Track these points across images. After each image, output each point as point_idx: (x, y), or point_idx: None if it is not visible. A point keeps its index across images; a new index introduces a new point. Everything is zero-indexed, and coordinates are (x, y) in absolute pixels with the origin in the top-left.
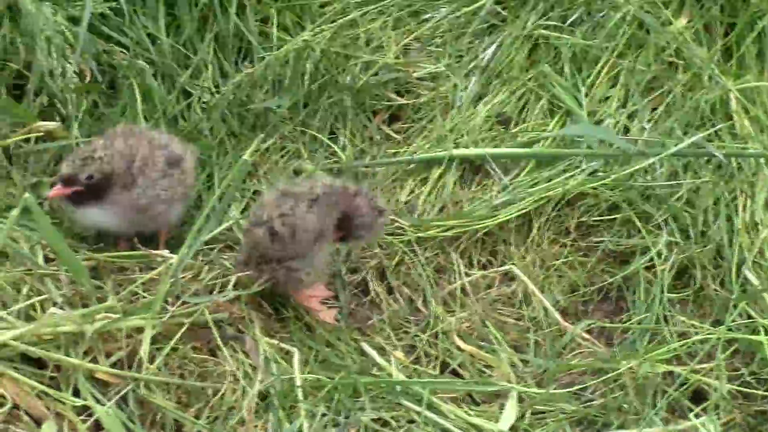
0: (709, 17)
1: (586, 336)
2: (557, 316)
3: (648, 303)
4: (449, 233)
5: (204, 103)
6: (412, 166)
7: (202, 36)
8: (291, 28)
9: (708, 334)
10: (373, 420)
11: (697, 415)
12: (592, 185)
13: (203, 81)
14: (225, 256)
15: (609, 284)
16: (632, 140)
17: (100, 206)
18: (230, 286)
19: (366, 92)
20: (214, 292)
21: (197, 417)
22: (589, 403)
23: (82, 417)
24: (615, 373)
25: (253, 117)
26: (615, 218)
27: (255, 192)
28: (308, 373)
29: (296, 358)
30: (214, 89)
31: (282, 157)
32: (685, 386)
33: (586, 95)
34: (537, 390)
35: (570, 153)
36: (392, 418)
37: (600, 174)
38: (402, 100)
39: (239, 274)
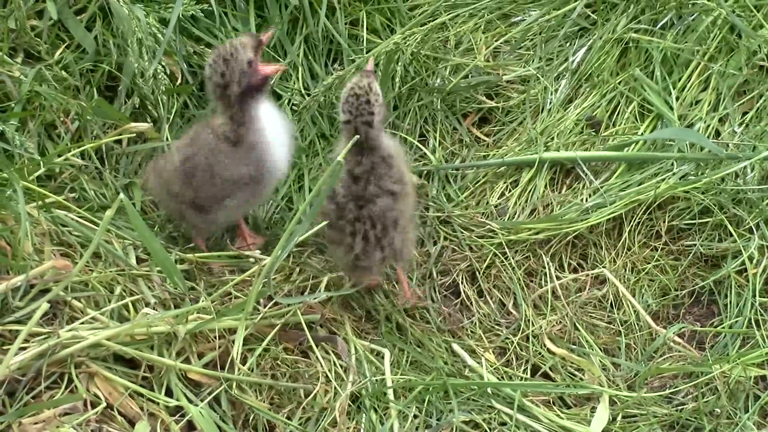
0: None
1: (678, 340)
2: (648, 319)
3: (740, 307)
4: (540, 236)
5: (294, 105)
6: (502, 168)
7: (292, 38)
8: (381, 30)
9: None
10: (465, 422)
11: None
12: (683, 189)
13: (293, 83)
14: (315, 259)
15: (700, 288)
16: (723, 144)
17: None
18: (322, 288)
19: (456, 95)
20: (306, 294)
21: (289, 418)
22: (681, 407)
23: (175, 417)
24: (707, 377)
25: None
26: (706, 222)
27: None
28: (399, 374)
29: (387, 359)
30: (304, 91)
31: None
32: None
33: (677, 99)
34: (628, 393)
35: (661, 156)
36: (484, 420)
37: (691, 177)
38: (492, 103)
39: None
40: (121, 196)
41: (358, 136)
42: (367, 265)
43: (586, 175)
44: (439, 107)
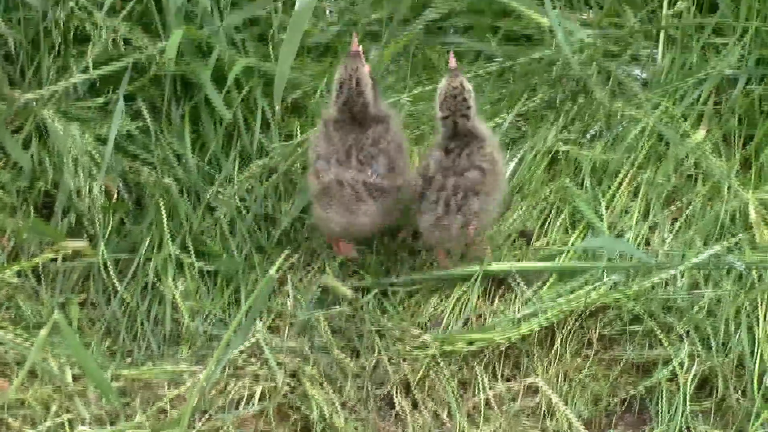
0: (727, 128)
1: None
2: (581, 428)
3: (671, 414)
4: (473, 347)
5: (230, 218)
6: (435, 282)
7: (227, 152)
8: None
9: None
10: None
11: None
12: (613, 297)
13: (229, 196)
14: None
15: (632, 395)
16: (653, 252)
17: None
18: (256, 398)
19: None
20: (241, 404)
21: None
22: None
23: None
24: None
25: (280, 232)
26: (637, 330)
27: (282, 305)
28: None
29: None
30: (240, 204)
31: (306, 273)
32: None
33: (607, 208)
34: None
35: (591, 266)
36: None
37: (621, 286)
38: None
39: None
40: (56, 314)
41: None
42: (447, 227)
43: (518, 285)
44: None
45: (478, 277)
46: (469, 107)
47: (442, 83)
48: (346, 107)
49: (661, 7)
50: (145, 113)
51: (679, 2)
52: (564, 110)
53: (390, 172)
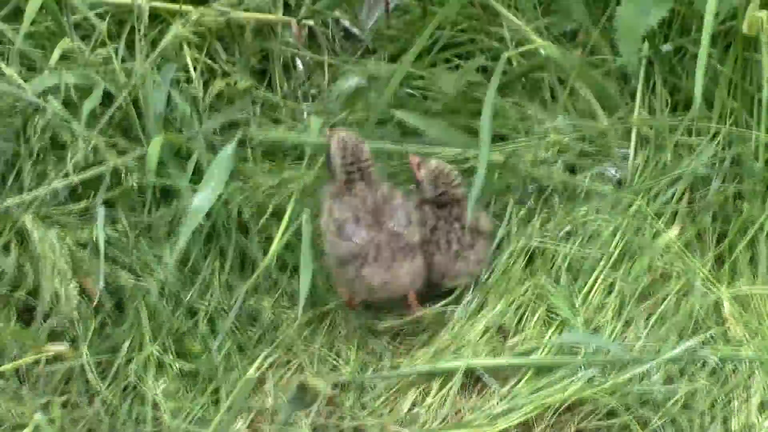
0: (701, 226)
1: None
2: None
3: None
4: None
5: (210, 320)
6: (413, 377)
7: (205, 255)
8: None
9: None
10: None
11: None
12: (590, 392)
13: (208, 299)
14: None
15: None
16: (628, 347)
17: None
18: None
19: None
20: None
21: None
22: None
23: None
24: None
25: (260, 331)
26: (614, 423)
27: (263, 403)
28: None
29: None
30: (219, 306)
31: (287, 371)
32: None
33: (583, 304)
34: None
35: (567, 362)
36: None
37: (598, 380)
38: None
39: None
40: (37, 415)
41: None
42: (466, 257)
43: (492, 383)
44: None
45: (459, 372)
46: (458, 177)
47: (425, 170)
48: (354, 168)
49: (633, 109)
50: (124, 220)
51: (653, 102)
52: (538, 210)
53: (408, 225)
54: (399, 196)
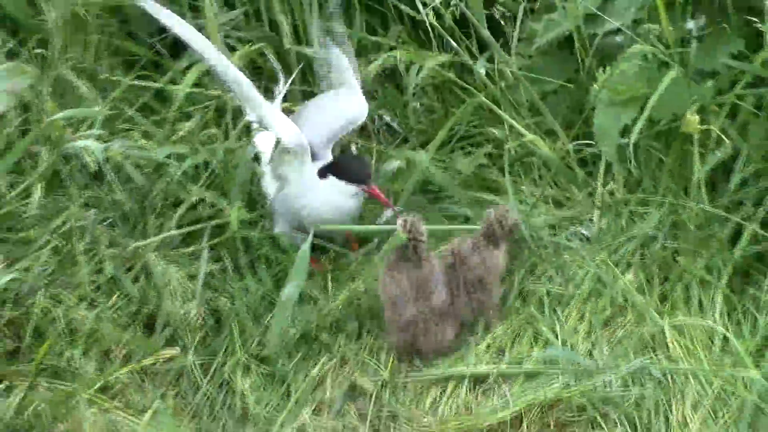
0: (649, 273)
1: None
2: None
3: None
4: (462, 427)
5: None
6: (434, 379)
7: (280, 285)
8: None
9: None
10: None
11: None
12: (566, 393)
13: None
14: None
15: None
16: (595, 361)
17: None
18: None
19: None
20: None
21: None
22: None
23: None
24: None
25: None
26: (583, 417)
27: (323, 396)
28: None
29: None
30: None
31: (341, 372)
32: None
33: (561, 328)
34: None
35: (549, 371)
36: None
37: (572, 385)
38: None
39: None
40: (157, 402)
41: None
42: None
43: (499, 385)
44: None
45: (468, 376)
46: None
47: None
48: (410, 247)
49: (595, 188)
50: (224, 259)
51: (611, 184)
52: (524, 261)
53: (447, 296)
54: (437, 272)
